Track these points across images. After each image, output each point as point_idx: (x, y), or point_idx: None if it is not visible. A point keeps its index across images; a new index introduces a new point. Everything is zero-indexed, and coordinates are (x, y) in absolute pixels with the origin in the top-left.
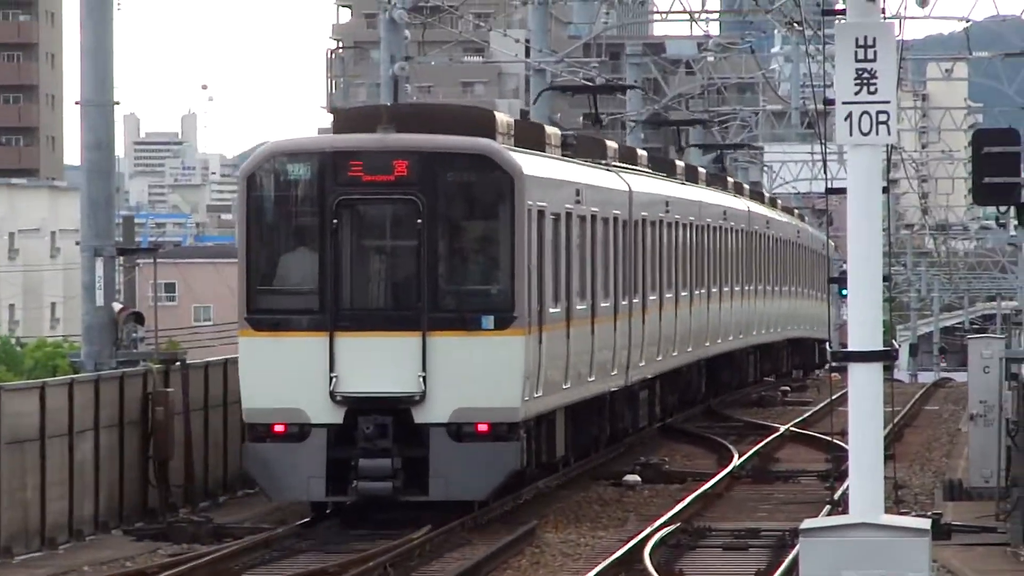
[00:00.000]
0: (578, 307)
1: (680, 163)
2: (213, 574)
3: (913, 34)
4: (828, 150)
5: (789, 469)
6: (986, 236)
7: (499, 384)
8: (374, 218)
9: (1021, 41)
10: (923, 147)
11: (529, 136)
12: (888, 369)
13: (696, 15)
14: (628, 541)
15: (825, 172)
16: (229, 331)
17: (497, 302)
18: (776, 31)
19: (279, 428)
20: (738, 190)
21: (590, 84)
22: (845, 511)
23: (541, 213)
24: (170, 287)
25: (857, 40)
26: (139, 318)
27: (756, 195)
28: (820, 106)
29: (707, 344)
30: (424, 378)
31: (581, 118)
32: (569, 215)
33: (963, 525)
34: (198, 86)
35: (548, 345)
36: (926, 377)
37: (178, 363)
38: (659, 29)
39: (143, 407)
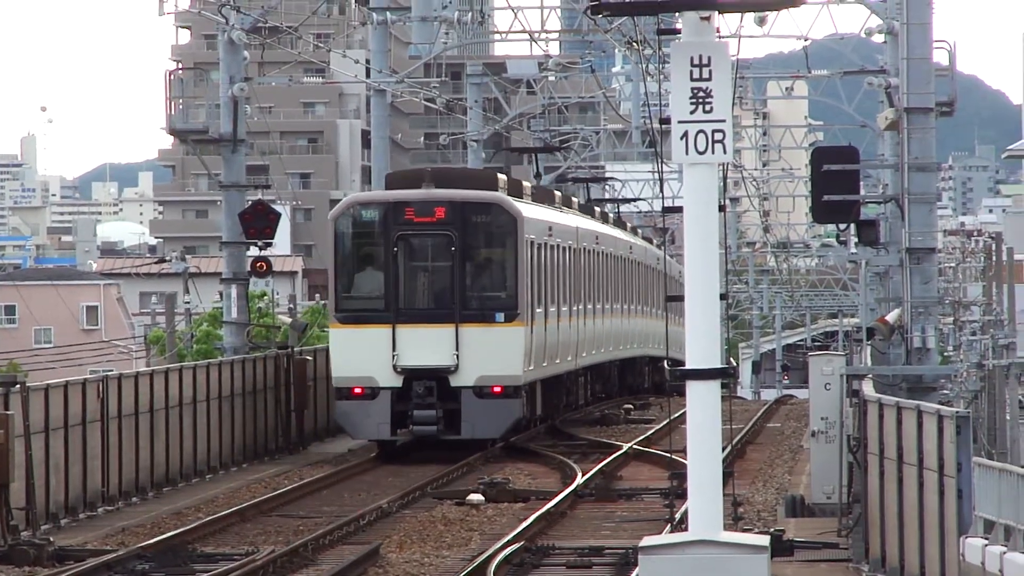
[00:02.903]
0: (550, 309)
1: (558, 193)
2: None
3: (753, 52)
4: (670, 168)
5: (632, 487)
6: (827, 254)
7: (507, 359)
8: (421, 247)
9: (860, 59)
10: (764, 165)
11: (514, 187)
12: (727, 386)
13: (536, 35)
14: (472, 560)
15: (662, 190)
16: (70, 353)
17: (506, 303)
18: (616, 50)
19: (358, 390)
20: (604, 217)
21: (534, 148)
22: (687, 529)
23: (531, 242)
24: (10, 309)
25: (692, 59)
26: None
27: (617, 220)
28: (658, 125)
29: (620, 347)
30: (457, 355)
31: (422, 138)
32: (544, 244)
33: (805, 541)
34: (37, 108)
35: (536, 334)
36: (769, 394)
37: (18, 385)
38: (500, 49)
39: None
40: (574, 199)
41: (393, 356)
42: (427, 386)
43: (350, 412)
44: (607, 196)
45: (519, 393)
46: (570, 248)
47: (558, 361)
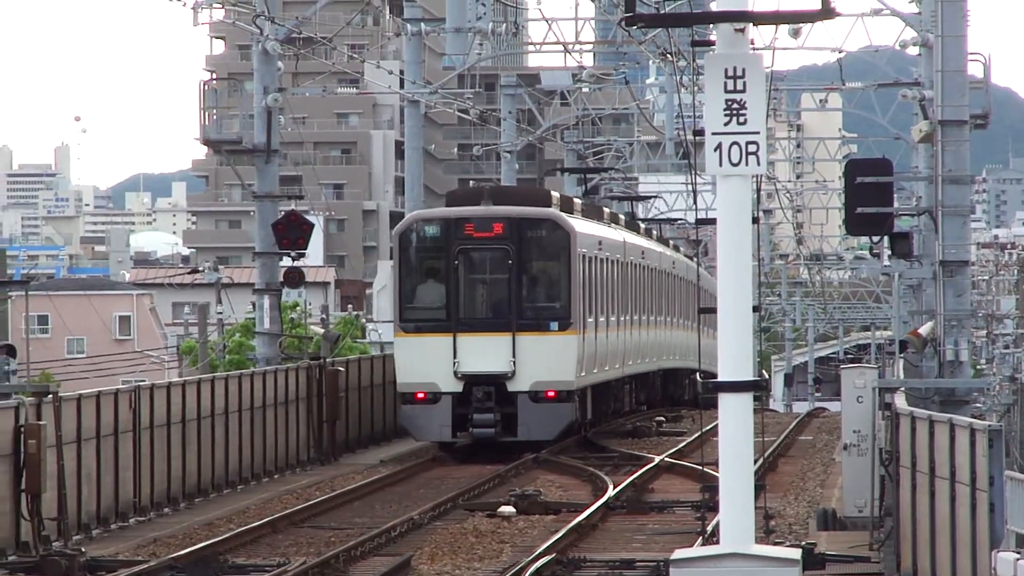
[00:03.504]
0: (600, 319)
1: (606, 210)
2: None
3: (787, 65)
4: (704, 180)
5: (664, 500)
6: (860, 266)
7: (561, 366)
8: (480, 260)
9: (894, 71)
10: (798, 177)
11: (566, 204)
12: (759, 399)
13: (570, 46)
14: (503, 573)
15: (695, 202)
16: (102, 363)
17: (560, 313)
18: (651, 62)
19: (421, 395)
20: (648, 233)
21: (585, 168)
22: (718, 541)
23: (583, 256)
24: (43, 319)
25: (726, 71)
26: (11, 351)
27: (660, 236)
28: (692, 136)
29: (663, 358)
30: (514, 362)
31: (456, 149)
32: (595, 257)
33: (837, 555)
34: (71, 118)
35: (587, 343)
36: (801, 407)
37: (50, 395)
38: (533, 60)
39: (15, 440)
40: (621, 216)
41: (454, 363)
42: (486, 391)
43: (414, 416)
44: (640, 210)
45: (572, 398)
46: (618, 262)
47: (607, 369)
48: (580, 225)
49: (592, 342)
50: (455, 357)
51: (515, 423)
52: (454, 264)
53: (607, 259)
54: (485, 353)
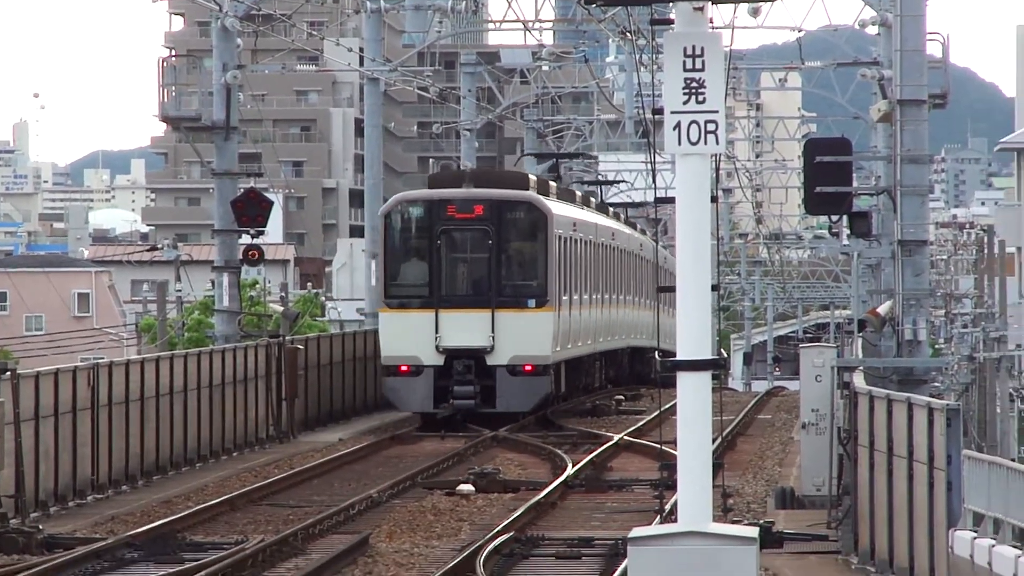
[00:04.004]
0: (574, 297)
1: (578, 193)
2: None
3: (747, 44)
4: (663, 159)
5: (622, 478)
6: (819, 245)
7: (537, 341)
8: (462, 240)
9: (853, 51)
10: (757, 156)
11: (542, 187)
12: (717, 377)
13: (530, 24)
14: (462, 551)
15: (654, 181)
16: (61, 340)
17: (536, 291)
18: (610, 40)
19: (404, 368)
20: (616, 216)
21: (558, 154)
22: (676, 520)
23: (559, 236)
24: (1, 296)
25: (685, 50)
26: None
27: (627, 219)
28: (651, 115)
29: (631, 336)
30: (493, 337)
31: (416, 127)
32: (569, 238)
33: (795, 533)
34: (30, 94)
35: (562, 319)
36: (760, 386)
37: (8, 373)
38: (493, 38)
39: None
40: (591, 199)
41: (436, 338)
42: (466, 364)
43: (397, 388)
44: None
45: (548, 371)
46: (590, 243)
47: (580, 345)
48: (556, 207)
49: (567, 319)
50: (437, 332)
51: (494, 395)
52: (437, 244)
53: (581, 240)
54: (466, 328)
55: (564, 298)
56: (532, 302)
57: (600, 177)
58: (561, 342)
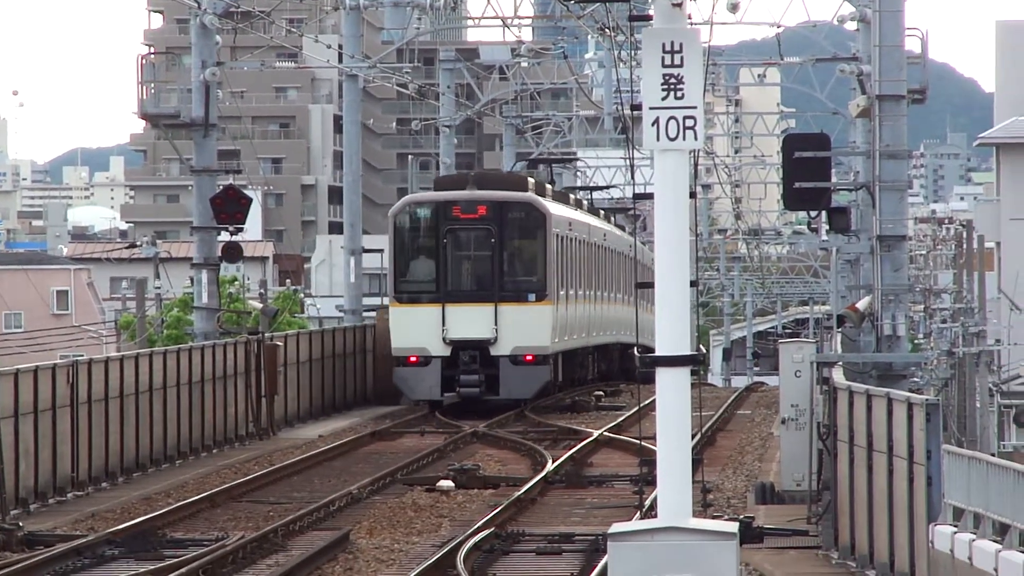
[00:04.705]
0: (571, 293)
1: (572, 196)
2: None
3: (726, 39)
4: (642, 155)
5: (602, 474)
6: (799, 241)
7: (537, 333)
8: (466, 239)
9: (832, 47)
10: (736, 152)
11: (540, 188)
12: (697, 373)
13: (509, 21)
14: (442, 547)
15: (632, 177)
16: (40, 338)
17: (536, 286)
18: (589, 37)
19: (413, 359)
20: (607, 218)
21: (551, 159)
22: (656, 515)
23: (557, 235)
24: None
25: (664, 46)
26: None
27: (616, 223)
28: (630, 111)
29: (622, 332)
30: (496, 329)
31: (395, 124)
32: (566, 237)
33: (775, 528)
34: (8, 92)
35: (560, 313)
36: (739, 381)
37: None
38: (472, 35)
39: None
40: (584, 201)
41: (443, 330)
42: (471, 355)
43: (407, 377)
44: (578, 182)
45: (547, 361)
46: (584, 242)
47: (575, 338)
48: (554, 208)
49: (564, 313)
50: (444, 324)
51: (497, 383)
52: (443, 242)
53: (575, 239)
54: (470, 321)
55: (561, 293)
56: (532, 296)
57: (591, 183)
58: (559, 334)
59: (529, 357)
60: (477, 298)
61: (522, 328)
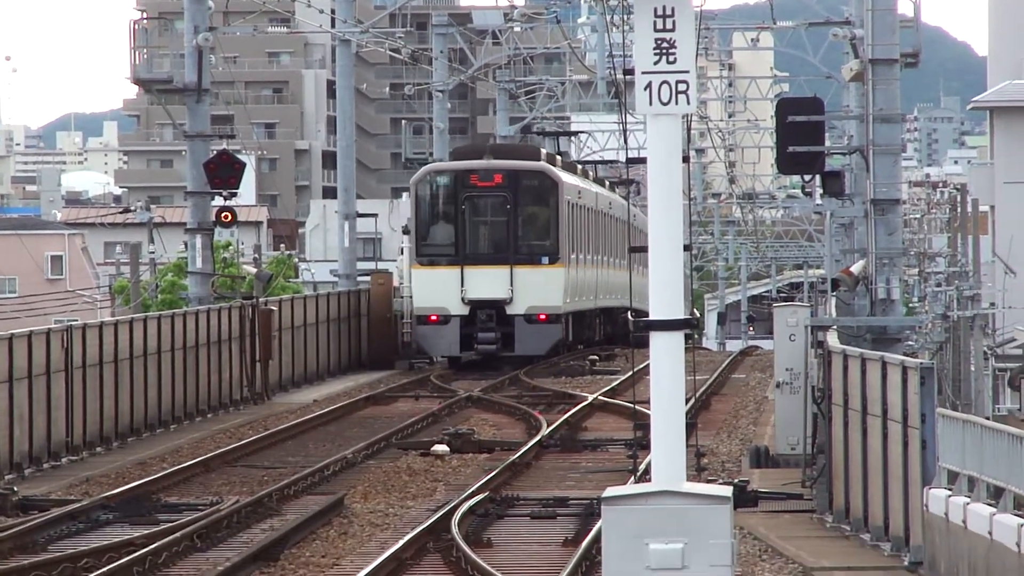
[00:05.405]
0: (580, 257)
1: (579, 165)
2: (18, 546)
3: (719, 4)
4: (635, 119)
5: (597, 438)
6: (793, 205)
7: (550, 294)
8: (484, 205)
9: (825, 10)
10: (730, 116)
11: (550, 158)
12: (691, 337)
13: None
14: (437, 511)
15: (625, 142)
16: (34, 303)
17: (549, 250)
18: (582, 1)
19: (433, 318)
20: (612, 187)
21: (556, 132)
22: (650, 479)
23: (568, 202)
24: None
25: (656, 10)
26: None
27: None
28: (623, 76)
29: (625, 297)
30: (511, 290)
31: (388, 88)
32: (576, 204)
33: (769, 492)
34: (1, 57)
35: (571, 276)
36: (734, 345)
37: None
38: None
39: None
40: (589, 171)
41: (462, 291)
42: (488, 314)
43: (428, 335)
44: (575, 154)
45: (560, 320)
46: (592, 209)
47: (584, 300)
48: (565, 176)
49: (575, 276)
50: (463, 286)
51: (513, 341)
52: (462, 208)
53: (584, 206)
54: (488, 282)
55: (572, 257)
56: (545, 259)
57: (584, 148)
58: (570, 295)
59: (543, 316)
60: (494, 261)
61: (536, 289)
